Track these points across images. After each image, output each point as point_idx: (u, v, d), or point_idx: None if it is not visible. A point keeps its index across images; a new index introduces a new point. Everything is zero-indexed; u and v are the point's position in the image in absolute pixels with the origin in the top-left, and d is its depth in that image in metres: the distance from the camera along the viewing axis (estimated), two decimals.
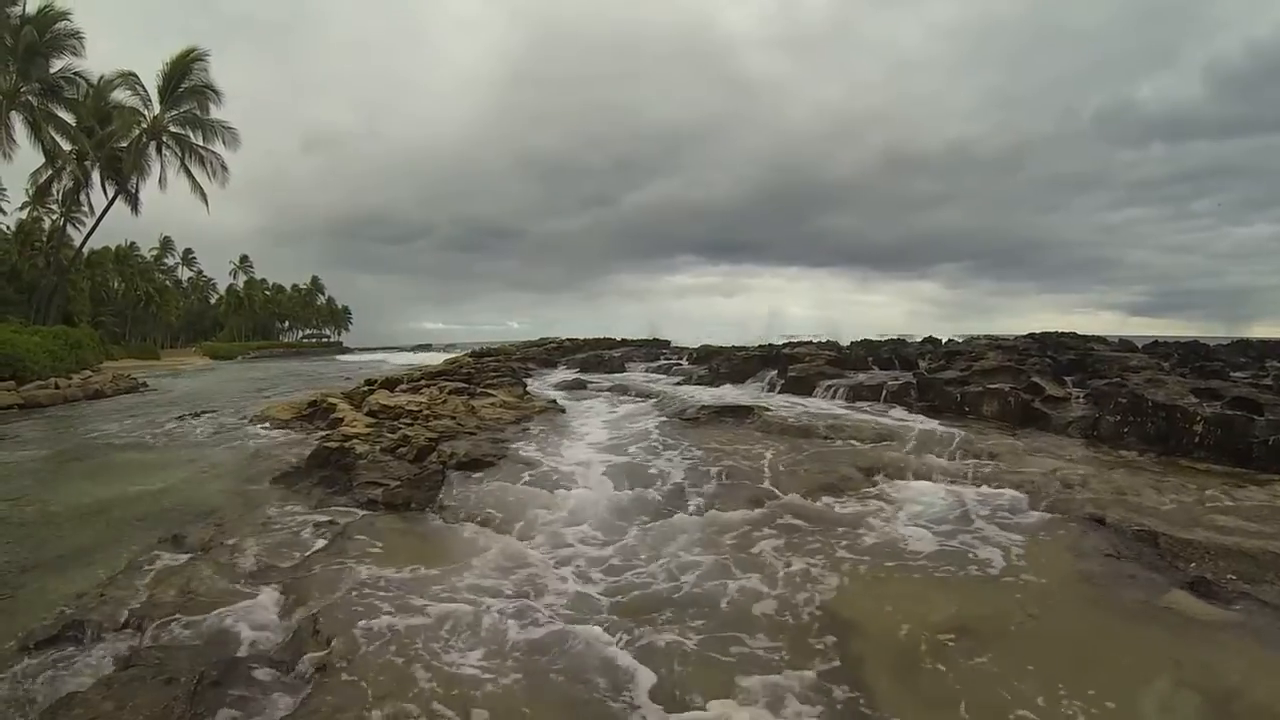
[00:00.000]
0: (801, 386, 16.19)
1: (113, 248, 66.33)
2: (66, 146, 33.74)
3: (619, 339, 41.62)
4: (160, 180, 37.16)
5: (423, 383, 17.01)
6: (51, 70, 31.81)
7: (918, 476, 8.18)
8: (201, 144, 37.06)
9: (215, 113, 37.06)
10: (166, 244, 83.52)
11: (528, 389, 17.79)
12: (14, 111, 31.05)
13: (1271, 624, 4.27)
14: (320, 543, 6.38)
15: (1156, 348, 16.41)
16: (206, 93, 36.42)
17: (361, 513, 7.31)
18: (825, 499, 7.45)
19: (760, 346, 23.21)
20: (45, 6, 30.61)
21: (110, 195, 36.56)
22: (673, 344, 36.71)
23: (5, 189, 45.04)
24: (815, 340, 22.83)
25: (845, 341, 21.75)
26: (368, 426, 11.41)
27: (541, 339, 47.95)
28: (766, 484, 8.12)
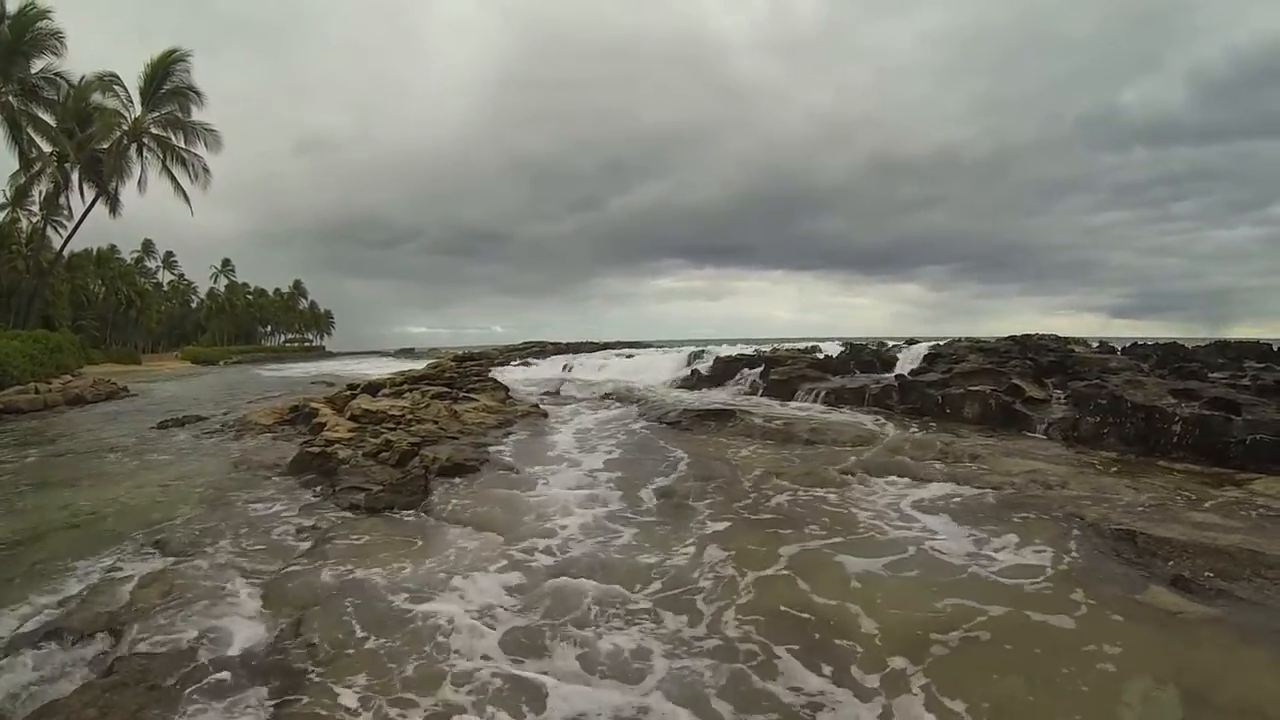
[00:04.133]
0: (783, 390, 16.27)
1: (93, 251, 65.76)
2: (46, 148, 33.40)
3: (602, 343, 41.77)
4: (140, 182, 36.90)
5: (405, 387, 16.98)
6: (31, 70, 31.50)
7: (898, 478, 8.23)
8: (183, 146, 36.83)
9: (198, 114, 36.82)
10: (148, 247, 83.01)
11: (510, 393, 17.79)
12: None
13: (1249, 620, 4.32)
14: (303, 546, 6.36)
15: (1135, 349, 16.55)
16: (188, 94, 36.16)
17: (344, 516, 7.30)
18: (805, 500, 7.49)
19: (741, 353, 23.25)
20: (26, 5, 30.30)
21: (90, 198, 36.30)
22: (655, 346, 36.89)
23: None
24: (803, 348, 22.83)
25: (831, 348, 21.69)
26: (350, 431, 11.39)
27: (525, 343, 47.97)
28: (746, 485, 8.15)
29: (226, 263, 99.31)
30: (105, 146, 34.88)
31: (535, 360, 31.36)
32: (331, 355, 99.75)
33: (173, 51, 35.25)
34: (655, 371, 22.66)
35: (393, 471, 8.78)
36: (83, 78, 33.49)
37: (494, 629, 4.61)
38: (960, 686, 3.76)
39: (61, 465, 10.77)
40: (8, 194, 39.96)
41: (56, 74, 32.38)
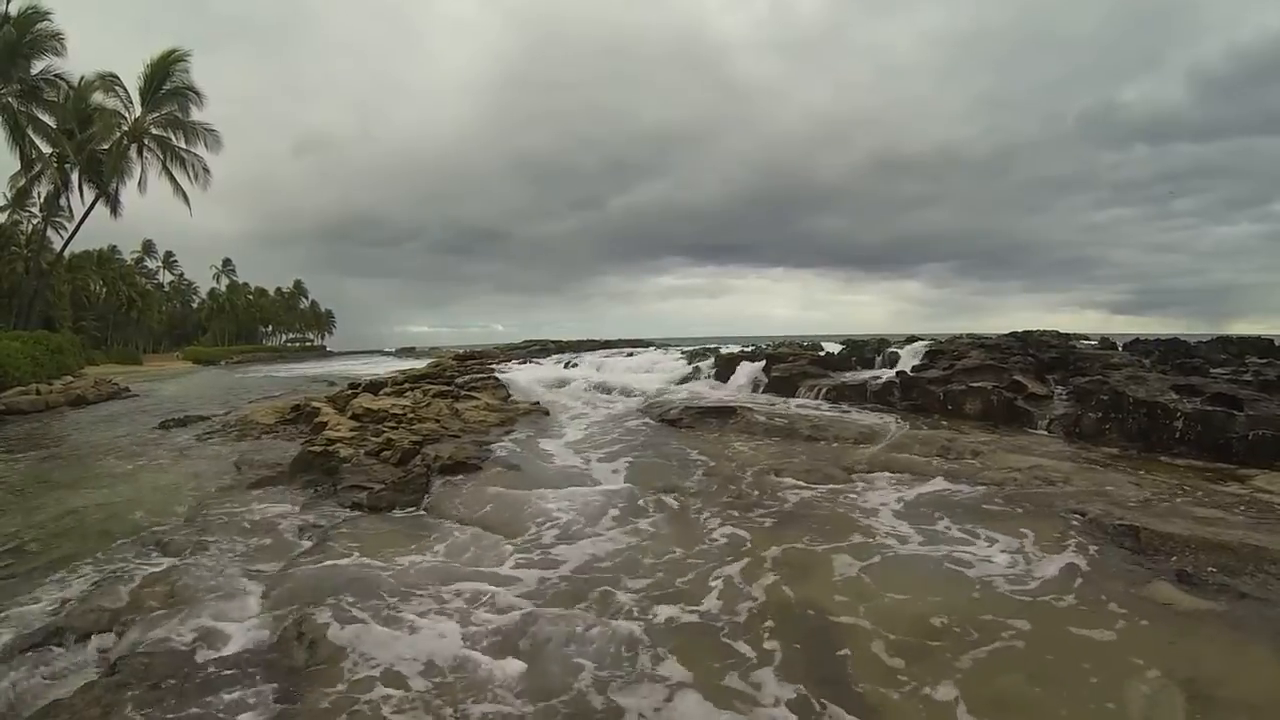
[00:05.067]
0: (785, 387, 16.24)
1: (94, 251, 65.76)
2: (46, 149, 33.35)
3: (603, 340, 41.83)
4: (140, 183, 36.83)
5: (406, 386, 16.98)
6: (32, 71, 31.45)
7: (899, 474, 8.22)
8: (183, 146, 36.77)
9: (197, 114, 36.75)
10: (148, 247, 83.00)
11: (511, 391, 17.79)
12: None
13: (1252, 615, 4.32)
14: (304, 545, 6.36)
15: (1137, 345, 16.52)
16: (188, 94, 36.07)
17: (346, 515, 7.29)
18: (808, 498, 7.48)
19: (742, 348, 23.22)
20: (28, 7, 30.29)
21: (90, 198, 36.27)
22: (655, 345, 36.95)
23: None
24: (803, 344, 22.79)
25: (832, 347, 21.55)
26: (351, 430, 11.38)
27: (527, 341, 47.92)
28: (748, 483, 8.15)
29: (227, 262, 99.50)
30: (105, 147, 34.85)
31: (537, 359, 31.29)
32: (333, 355, 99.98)
33: (172, 51, 35.19)
34: (657, 370, 22.60)
35: (394, 470, 8.78)
36: (82, 78, 33.46)
37: (495, 627, 4.60)
38: (960, 679, 3.76)
39: (63, 466, 10.78)
40: (8, 195, 39.96)
41: (57, 75, 32.33)
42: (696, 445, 10.57)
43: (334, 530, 6.73)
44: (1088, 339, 18.01)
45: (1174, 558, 5.22)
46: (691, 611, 4.82)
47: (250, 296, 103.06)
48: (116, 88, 34.43)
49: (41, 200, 38.25)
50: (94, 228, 40.30)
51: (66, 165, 34.34)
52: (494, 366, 24.34)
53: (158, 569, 5.72)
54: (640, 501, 7.63)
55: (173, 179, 36.84)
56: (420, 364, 29.88)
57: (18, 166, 34.09)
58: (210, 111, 37.39)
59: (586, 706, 3.69)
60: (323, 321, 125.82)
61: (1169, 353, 14.79)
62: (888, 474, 8.28)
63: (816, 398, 15.05)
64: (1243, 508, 6.38)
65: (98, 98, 34.12)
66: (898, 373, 15.08)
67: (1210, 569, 4.97)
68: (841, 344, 21.36)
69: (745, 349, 22.46)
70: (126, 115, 35.13)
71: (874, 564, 5.60)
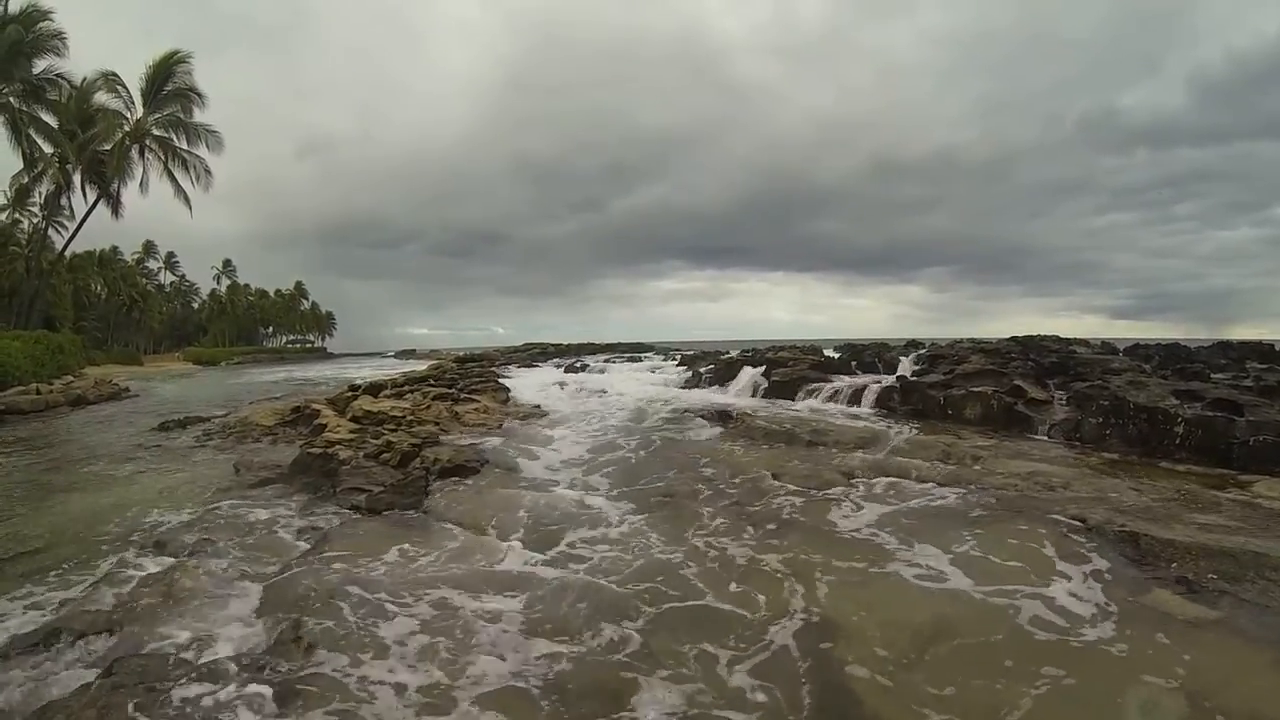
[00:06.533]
0: (785, 391, 16.24)
1: (95, 252, 65.74)
2: (48, 149, 33.32)
3: (604, 344, 41.91)
4: (142, 184, 36.78)
5: (406, 388, 16.97)
6: (34, 71, 31.43)
7: (900, 479, 8.19)
8: (185, 147, 36.74)
9: (199, 115, 36.72)
10: (149, 248, 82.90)
11: (511, 394, 17.78)
12: None
13: (1254, 622, 4.30)
14: (303, 547, 6.35)
15: (1137, 350, 16.52)
16: (190, 95, 36.04)
17: (345, 517, 7.28)
18: (807, 505, 7.45)
19: (742, 352, 23.29)
20: (28, 6, 30.26)
21: (92, 199, 36.23)
22: (656, 348, 37.07)
23: None
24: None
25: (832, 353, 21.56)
26: (351, 432, 11.36)
27: (526, 344, 47.93)
28: (747, 488, 8.13)
29: (228, 264, 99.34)
30: (107, 148, 34.80)
31: (537, 363, 31.37)
32: (333, 356, 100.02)
33: (174, 53, 35.16)
34: (658, 374, 22.64)
35: (394, 472, 8.76)
36: (84, 79, 33.43)
37: (492, 628, 4.60)
38: (959, 686, 3.75)
39: (63, 466, 10.76)
40: (9, 195, 39.93)
41: (58, 75, 32.30)
42: (696, 450, 10.55)
43: (333, 532, 6.71)
44: (1088, 344, 18.00)
45: (1175, 564, 5.20)
46: (692, 626, 4.81)
47: (251, 298, 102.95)
48: (118, 88, 34.44)
49: (42, 200, 38.24)
50: (95, 228, 40.22)
51: (68, 165, 34.30)
52: (495, 370, 24.34)
53: (155, 570, 5.70)
54: (638, 506, 7.62)
55: (174, 180, 36.82)
56: (421, 366, 29.87)
57: (19, 166, 34.06)
58: (212, 113, 37.49)
59: None
60: (323, 323, 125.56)
61: (1169, 358, 14.81)
62: (887, 479, 8.25)
63: (816, 402, 15.05)
64: (1243, 514, 6.36)
65: (100, 98, 34.13)
66: (898, 377, 15.07)
67: (1211, 576, 4.95)
68: (841, 348, 21.37)
69: (745, 353, 22.49)
70: (128, 116, 35.11)
71: (864, 564, 5.61)
